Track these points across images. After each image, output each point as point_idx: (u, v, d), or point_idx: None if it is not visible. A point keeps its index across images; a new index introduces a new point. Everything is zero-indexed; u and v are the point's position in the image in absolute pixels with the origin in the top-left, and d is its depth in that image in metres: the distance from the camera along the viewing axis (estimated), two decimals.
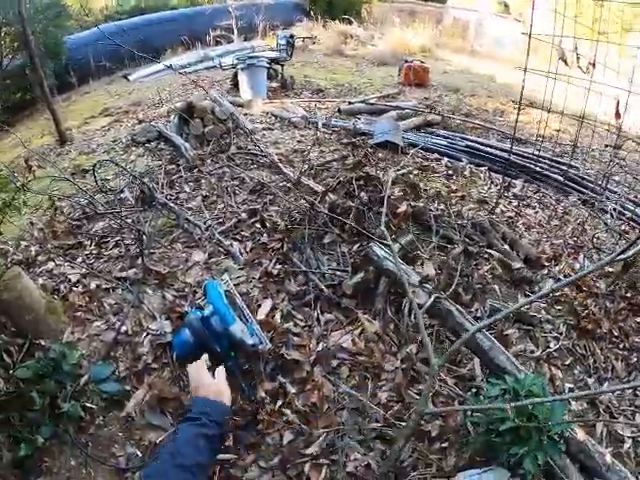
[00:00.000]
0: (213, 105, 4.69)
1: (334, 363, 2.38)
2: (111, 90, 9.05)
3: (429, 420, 2.15)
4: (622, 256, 1.83)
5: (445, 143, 5.21)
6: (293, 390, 2.20)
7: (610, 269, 3.25)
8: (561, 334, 2.81)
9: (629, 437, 2.31)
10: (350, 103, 6.39)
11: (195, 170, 4.02)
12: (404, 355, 2.40)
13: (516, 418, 1.73)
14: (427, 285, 2.46)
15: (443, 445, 2.08)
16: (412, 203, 3.27)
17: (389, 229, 3.12)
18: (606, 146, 5.55)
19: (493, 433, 1.83)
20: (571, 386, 2.54)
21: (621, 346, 2.89)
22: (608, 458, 1.88)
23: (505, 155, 4.57)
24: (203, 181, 3.87)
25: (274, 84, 7.76)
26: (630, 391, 2.56)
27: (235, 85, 7.48)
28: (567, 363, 2.66)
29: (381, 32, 12.79)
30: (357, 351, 2.42)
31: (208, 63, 10.18)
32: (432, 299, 2.35)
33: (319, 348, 2.41)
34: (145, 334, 2.40)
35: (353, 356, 2.42)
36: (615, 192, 4.47)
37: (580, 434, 1.93)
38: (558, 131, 5.72)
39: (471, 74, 9.69)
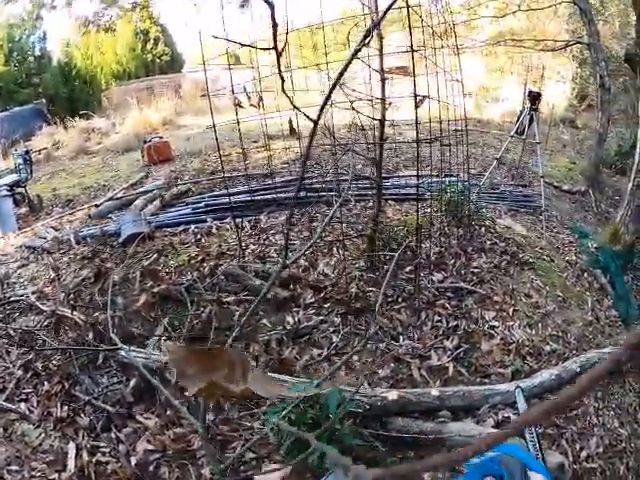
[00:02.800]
0: None
1: (151, 468, 2.55)
2: None
3: (255, 466, 2.50)
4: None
5: (189, 210, 5.52)
6: None
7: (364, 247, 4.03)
8: (338, 325, 3.35)
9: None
10: (97, 206, 6.35)
11: None
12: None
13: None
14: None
15: None
16: (154, 290, 3.53)
17: (147, 321, 3.37)
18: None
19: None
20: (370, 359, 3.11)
21: (400, 300, 3.61)
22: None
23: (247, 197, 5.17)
24: None
25: (23, 209, 7.34)
26: None
27: None
28: (355, 344, 3.20)
29: (122, 117, 12.89)
30: (163, 447, 2.63)
31: None
32: None
33: (133, 463, 2.55)
34: None
35: (163, 452, 2.62)
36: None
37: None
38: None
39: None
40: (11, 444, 2.79)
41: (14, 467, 2.63)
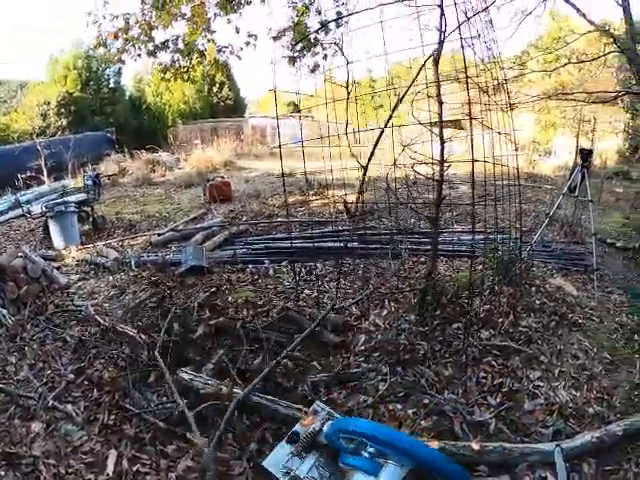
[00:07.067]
0: (25, 263, 4.61)
1: None
2: None
3: None
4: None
5: (246, 250, 5.76)
6: None
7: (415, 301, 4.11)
8: (386, 374, 3.38)
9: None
10: (159, 235, 6.67)
11: (17, 338, 3.95)
12: (248, 455, 2.75)
13: None
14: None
15: None
16: (212, 322, 3.72)
17: (202, 350, 3.53)
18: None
19: None
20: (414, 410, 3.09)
21: (447, 355, 3.60)
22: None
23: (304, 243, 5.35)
24: (27, 349, 3.82)
25: (86, 227, 7.80)
26: None
27: (47, 234, 7.28)
28: (401, 395, 3.20)
29: (186, 154, 13.58)
30: (204, 467, 2.67)
31: (19, 210, 9.48)
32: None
33: (172, 478, 2.59)
34: None
35: (203, 473, 2.62)
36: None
37: None
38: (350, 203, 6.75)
39: (272, 175, 10.59)
40: (52, 440, 2.83)
41: (51, 461, 2.67)
